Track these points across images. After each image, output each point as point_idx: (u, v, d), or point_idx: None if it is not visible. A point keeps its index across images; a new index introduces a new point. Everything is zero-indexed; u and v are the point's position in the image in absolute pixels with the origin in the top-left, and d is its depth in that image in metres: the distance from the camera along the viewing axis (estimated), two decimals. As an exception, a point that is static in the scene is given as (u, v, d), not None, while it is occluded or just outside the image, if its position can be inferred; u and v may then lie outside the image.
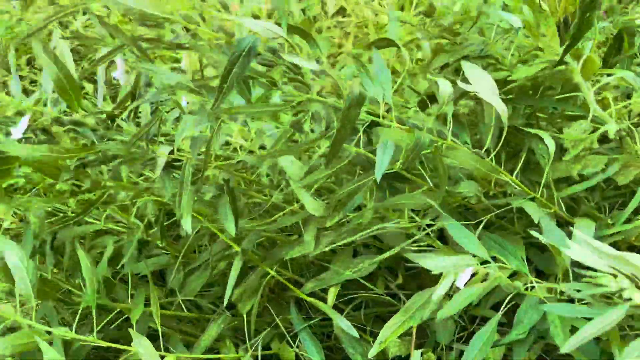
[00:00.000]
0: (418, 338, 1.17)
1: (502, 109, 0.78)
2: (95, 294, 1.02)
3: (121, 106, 0.89)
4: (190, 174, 0.85)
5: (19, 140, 0.82)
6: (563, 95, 0.94)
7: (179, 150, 0.91)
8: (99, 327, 1.06)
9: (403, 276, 1.20)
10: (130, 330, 1.05)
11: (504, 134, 0.82)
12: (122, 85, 0.91)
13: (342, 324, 1.07)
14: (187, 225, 0.87)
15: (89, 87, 1.48)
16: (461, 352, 1.21)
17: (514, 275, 0.88)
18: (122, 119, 0.88)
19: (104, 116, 0.89)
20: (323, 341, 1.25)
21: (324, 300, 1.19)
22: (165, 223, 1.09)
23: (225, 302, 1.00)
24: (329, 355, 1.26)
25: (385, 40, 0.83)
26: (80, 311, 1.01)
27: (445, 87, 0.78)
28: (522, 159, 0.90)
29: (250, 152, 1.04)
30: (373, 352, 1.02)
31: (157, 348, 1.09)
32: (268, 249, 1.16)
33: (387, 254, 1.11)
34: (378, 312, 1.26)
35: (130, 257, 1.08)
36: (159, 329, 1.00)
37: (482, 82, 0.80)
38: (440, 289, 0.79)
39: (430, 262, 0.82)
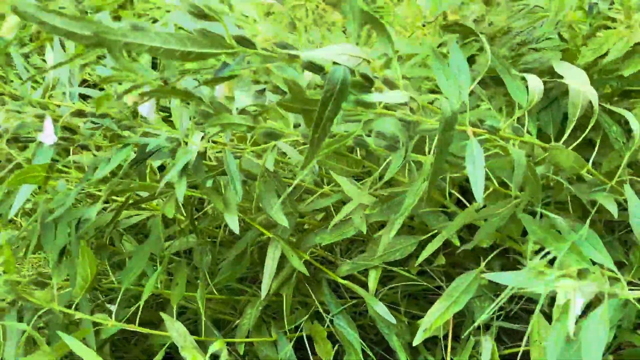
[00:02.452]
0: (455, 317, 1.14)
1: (594, 98, 0.72)
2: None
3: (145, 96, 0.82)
4: (236, 165, 0.78)
5: (55, 145, 0.76)
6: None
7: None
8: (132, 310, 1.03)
9: (440, 255, 1.16)
10: (162, 315, 1.01)
11: (592, 123, 0.75)
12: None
13: (379, 310, 1.04)
14: (233, 224, 0.82)
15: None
16: (500, 329, 1.20)
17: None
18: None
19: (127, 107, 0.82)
20: (356, 319, 1.22)
21: (358, 280, 1.15)
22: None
23: (263, 295, 0.96)
24: (362, 334, 1.24)
25: (460, 25, 0.76)
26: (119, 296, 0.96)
27: (535, 83, 0.71)
28: (597, 145, 0.83)
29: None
30: (417, 339, 0.98)
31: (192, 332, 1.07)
32: (298, 233, 1.11)
33: (427, 235, 1.07)
34: (412, 291, 1.22)
35: (156, 237, 1.03)
36: (203, 315, 0.96)
37: (570, 72, 0.74)
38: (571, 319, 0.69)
39: (520, 281, 0.74)
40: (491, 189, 0.93)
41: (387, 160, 0.97)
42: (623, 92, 0.97)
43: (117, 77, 0.63)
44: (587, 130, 0.78)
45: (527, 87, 0.79)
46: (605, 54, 0.88)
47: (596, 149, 0.87)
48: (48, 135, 0.76)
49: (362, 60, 0.56)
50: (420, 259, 1.03)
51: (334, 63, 0.55)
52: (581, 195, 0.92)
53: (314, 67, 0.58)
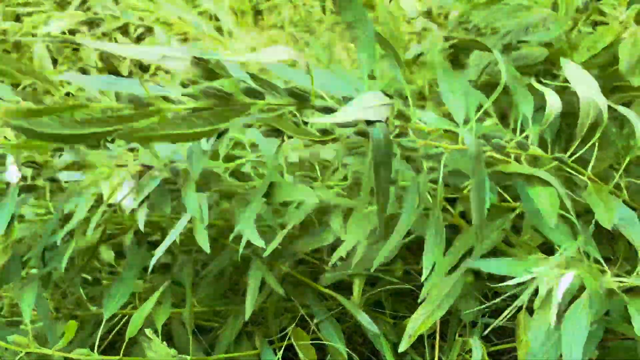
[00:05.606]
0: (441, 316, 1.13)
1: (604, 106, 0.70)
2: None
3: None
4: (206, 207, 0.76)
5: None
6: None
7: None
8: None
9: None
10: (142, 340, 0.99)
11: (598, 133, 0.73)
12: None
13: (364, 320, 1.02)
14: (205, 245, 0.79)
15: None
16: (486, 326, 1.19)
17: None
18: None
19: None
20: (341, 320, 1.21)
21: (344, 283, 1.13)
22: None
23: (248, 315, 0.94)
24: (348, 333, 1.23)
25: (474, 41, 0.73)
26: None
27: (554, 100, 0.69)
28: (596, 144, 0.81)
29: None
30: (403, 346, 0.97)
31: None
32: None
33: (409, 238, 1.05)
34: (397, 290, 1.21)
35: (136, 262, 1.00)
36: (190, 336, 0.94)
37: (581, 79, 0.71)
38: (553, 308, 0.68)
39: (509, 268, 0.73)
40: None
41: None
42: (614, 86, 0.96)
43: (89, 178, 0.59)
44: (594, 139, 0.75)
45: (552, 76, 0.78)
46: (600, 53, 0.87)
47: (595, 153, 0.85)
48: (12, 173, 0.72)
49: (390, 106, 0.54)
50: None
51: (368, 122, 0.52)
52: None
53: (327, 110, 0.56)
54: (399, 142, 0.58)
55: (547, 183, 0.73)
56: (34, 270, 0.91)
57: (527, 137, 0.73)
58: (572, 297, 0.76)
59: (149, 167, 0.57)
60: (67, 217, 0.84)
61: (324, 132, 0.58)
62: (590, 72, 0.90)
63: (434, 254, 0.75)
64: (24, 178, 0.73)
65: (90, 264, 1.03)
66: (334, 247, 1.18)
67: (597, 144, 0.77)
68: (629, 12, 0.99)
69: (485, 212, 0.66)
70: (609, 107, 0.85)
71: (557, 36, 0.94)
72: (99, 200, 0.76)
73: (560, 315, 0.76)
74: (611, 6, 1.02)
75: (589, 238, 0.83)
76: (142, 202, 0.75)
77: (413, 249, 1.18)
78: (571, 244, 0.77)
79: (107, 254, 1.16)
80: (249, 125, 0.60)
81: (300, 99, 0.53)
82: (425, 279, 0.87)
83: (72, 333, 0.84)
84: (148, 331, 1.01)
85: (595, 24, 1.06)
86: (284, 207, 1.04)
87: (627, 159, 0.82)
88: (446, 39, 0.84)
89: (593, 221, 0.79)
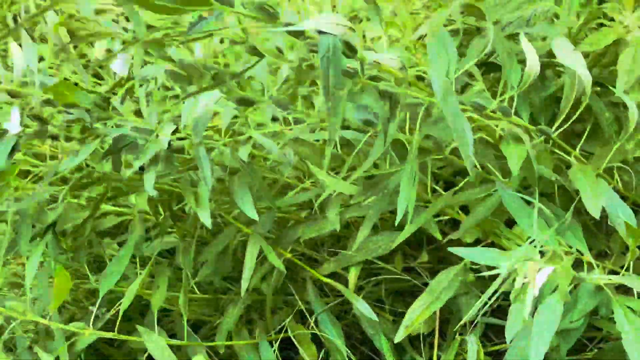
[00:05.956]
0: (442, 314, 1.12)
1: (588, 81, 0.70)
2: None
3: (117, 86, 0.80)
4: (207, 157, 0.77)
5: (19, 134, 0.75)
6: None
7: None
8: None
9: (423, 251, 1.14)
10: (139, 327, 0.99)
11: (581, 108, 0.73)
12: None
13: (362, 308, 1.02)
14: (205, 219, 0.80)
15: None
16: (486, 326, 1.18)
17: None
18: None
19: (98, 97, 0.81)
20: (340, 317, 1.21)
21: (343, 277, 1.13)
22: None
23: (243, 291, 0.95)
24: (347, 331, 1.22)
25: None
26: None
27: (532, 59, 0.69)
28: (587, 131, 0.82)
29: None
30: (399, 336, 0.97)
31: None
32: (281, 228, 1.09)
33: (408, 230, 1.05)
34: (397, 287, 1.21)
35: (136, 239, 1.01)
36: (185, 322, 0.94)
37: (569, 53, 0.72)
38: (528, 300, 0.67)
39: (488, 258, 0.73)
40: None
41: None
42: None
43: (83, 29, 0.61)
44: (575, 116, 0.76)
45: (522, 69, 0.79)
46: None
47: (584, 137, 0.85)
48: (13, 124, 0.74)
49: (347, 29, 0.55)
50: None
51: (321, 32, 0.54)
52: (567, 184, 0.90)
53: (297, 32, 0.57)
54: (376, 85, 0.59)
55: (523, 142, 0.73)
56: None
57: (510, 104, 0.73)
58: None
59: (137, 38, 0.58)
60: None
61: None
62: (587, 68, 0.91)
63: (407, 195, 0.74)
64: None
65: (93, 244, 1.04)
66: (332, 238, 1.19)
67: (588, 127, 0.78)
68: (635, 15, 1.00)
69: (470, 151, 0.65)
70: (605, 93, 0.86)
71: (560, 30, 0.96)
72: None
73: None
74: (617, 10, 1.03)
75: (575, 229, 0.82)
76: (150, 165, 0.76)
77: (412, 244, 1.18)
78: (543, 233, 0.76)
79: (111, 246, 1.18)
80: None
81: (270, 15, 0.55)
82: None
83: (66, 288, 0.85)
84: (140, 328, 1.02)
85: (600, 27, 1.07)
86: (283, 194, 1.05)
87: (617, 145, 0.81)
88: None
89: (571, 207, 0.78)
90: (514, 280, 0.75)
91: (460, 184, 0.94)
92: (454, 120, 0.63)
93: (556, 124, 0.77)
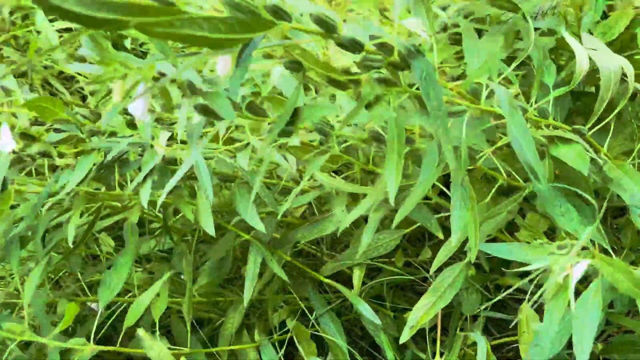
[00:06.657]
0: (443, 309, 1.11)
1: (630, 72, 0.68)
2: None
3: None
4: (206, 168, 0.74)
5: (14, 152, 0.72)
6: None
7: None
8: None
9: (426, 248, 1.13)
10: (139, 333, 0.97)
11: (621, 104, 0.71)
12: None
13: (364, 310, 1.00)
14: (210, 229, 0.78)
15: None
16: (487, 320, 1.17)
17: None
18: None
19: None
20: (341, 313, 1.20)
21: (344, 275, 1.12)
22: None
23: (246, 302, 0.93)
24: (348, 327, 1.21)
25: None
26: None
27: (583, 58, 0.66)
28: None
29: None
30: (404, 337, 0.96)
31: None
32: (281, 229, 1.08)
33: (410, 229, 1.04)
34: (398, 282, 1.20)
35: (133, 246, 0.98)
36: (189, 329, 0.92)
37: (601, 51, 0.70)
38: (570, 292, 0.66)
39: (524, 255, 0.71)
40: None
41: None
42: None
43: (105, 73, 0.57)
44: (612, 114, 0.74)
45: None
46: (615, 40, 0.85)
47: (610, 132, 0.83)
48: (6, 143, 0.71)
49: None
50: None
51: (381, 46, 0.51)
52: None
53: (355, 45, 0.54)
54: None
55: (571, 142, 0.71)
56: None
57: (547, 105, 0.71)
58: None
59: (164, 75, 0.54)
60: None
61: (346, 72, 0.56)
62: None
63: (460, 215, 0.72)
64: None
65: (89, 242, 1.01)
66: (334, 238, 1.17)
67: (612, 123, 0.75)
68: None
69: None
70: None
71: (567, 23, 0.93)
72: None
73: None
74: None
75: (598, 225, 0.81)
76: (145, 179, 0.73)
77: (413, 240, 1.17)
78: (583, 230, 0.74)
79: (106, 241, 1.15)
80: (269, 57, 0.57)
81: (328, 27, 0.51)
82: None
83: (72, 316, 0.82)
84: (141, 333, 0.99)
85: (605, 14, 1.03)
86: (284, 195, 1.03)
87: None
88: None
89: (604, 205, 0.77)
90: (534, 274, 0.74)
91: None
92: (522, 141, 0.60)
93: (588, 124, 0.74)
